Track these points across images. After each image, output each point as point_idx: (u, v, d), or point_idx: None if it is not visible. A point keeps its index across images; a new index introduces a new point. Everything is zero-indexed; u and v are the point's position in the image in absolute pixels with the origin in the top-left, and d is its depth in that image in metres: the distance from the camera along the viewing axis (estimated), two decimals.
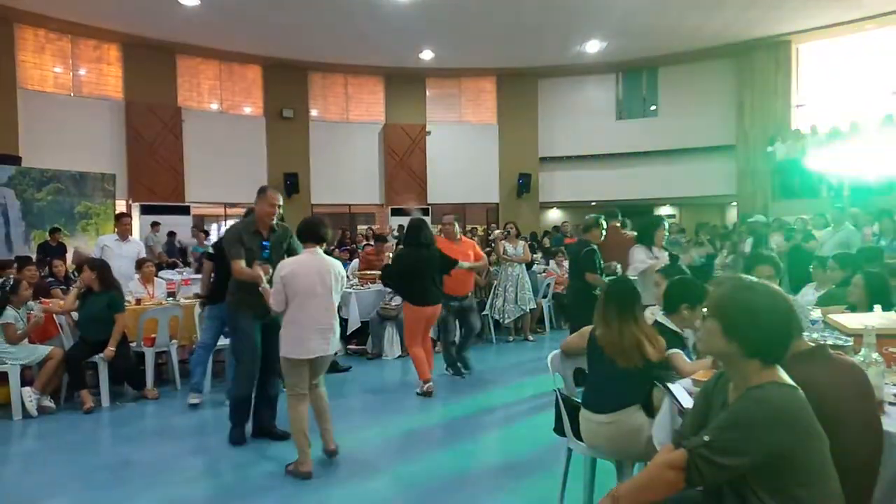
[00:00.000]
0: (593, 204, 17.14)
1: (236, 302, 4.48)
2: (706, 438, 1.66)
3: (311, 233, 4.00)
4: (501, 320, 8.40)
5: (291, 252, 4.57)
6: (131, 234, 7.51)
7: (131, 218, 7.38)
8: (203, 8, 11.86)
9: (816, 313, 3.90)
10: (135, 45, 13.74)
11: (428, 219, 15.45)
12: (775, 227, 10.43)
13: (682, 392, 2.57)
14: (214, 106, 15.48)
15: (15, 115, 12.12)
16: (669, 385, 2.69)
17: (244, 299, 4.39)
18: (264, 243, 4.46)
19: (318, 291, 3.89)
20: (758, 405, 1.65)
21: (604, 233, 5.98)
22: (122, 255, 7.06)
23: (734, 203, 16.09)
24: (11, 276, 7.17)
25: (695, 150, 15.64)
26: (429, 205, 16.38)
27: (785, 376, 1.72)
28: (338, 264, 4.08)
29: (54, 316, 5.87)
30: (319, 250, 4.01)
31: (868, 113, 12.00)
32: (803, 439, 1.63)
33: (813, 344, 2.18)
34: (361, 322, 7.68)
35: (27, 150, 11.99)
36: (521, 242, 8.60)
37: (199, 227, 14.17)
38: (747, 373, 1.74)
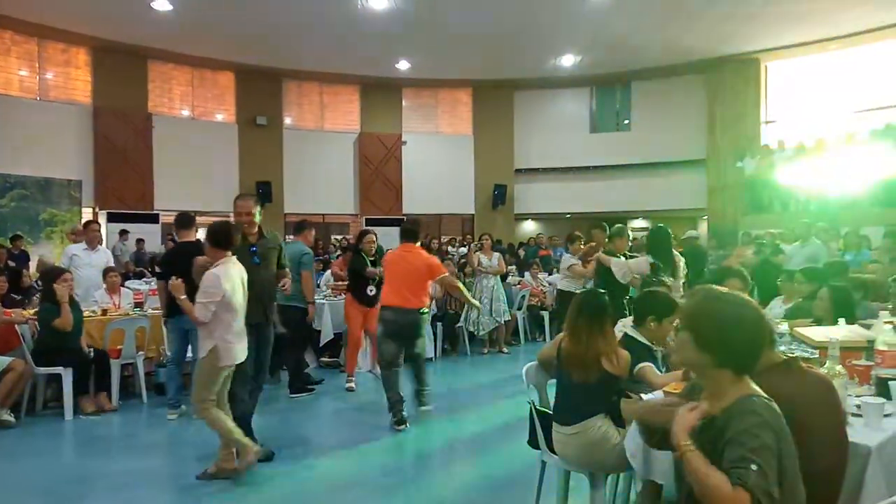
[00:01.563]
0: (567, 216, 17.30)
1: None
2: (755, 467, 1.57)
3: (227, 239, 3.96)
4: (476, 332, 8.38)
5: (281, 262, 4.67)
6: (100, 243, 7.31)
7: (99, 226, 7.17)
8: (176, 13, 11.70)
9: (783, 326, 3.96)
10: (105, 49, 13.49)
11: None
12: (745, 240, 10.62)
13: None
14: (186, 112, 15.26)
15: None
16: (643, 395, 2.70)
17: None
18: (252, 248, 4.43)
19: (240, 298, 3.93)
20: (753, 415, 1.64)
21: (630, 243, 6.22)
22: (91, 264, 6.89)
23: (705, 217, 16.35)
24: None
25: (667, 164, 15.89)
26: (404, 215, 16.32)
27: (756, 387, 1.73)
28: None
29: (16, 326, 5.67)
30: (233, 257, 3.98)
31: (833, 130, 12.33)
32: (786, 450, 1.64)
33: (784, 357, 2.21)
34: (334, 334, 7.59)
35: None
36: (496, 254, 8.62)
37: (171, 236, 13.88)
38: (720, 384, 1.74)
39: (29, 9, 11.79)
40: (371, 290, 6.33)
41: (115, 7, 11.53)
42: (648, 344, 3.21)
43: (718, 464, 1.65)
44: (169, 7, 11.41)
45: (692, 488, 1.75)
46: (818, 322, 3.93)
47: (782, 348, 3.17)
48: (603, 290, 3.53)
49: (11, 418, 5.25)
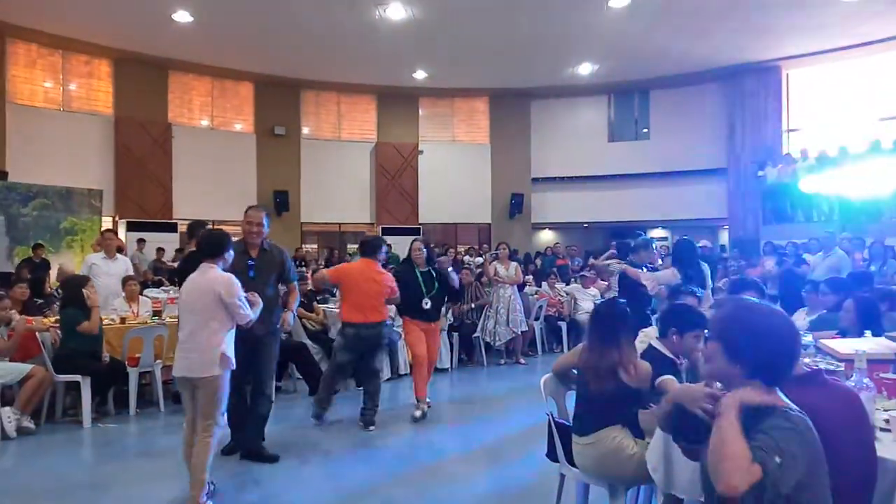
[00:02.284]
0: (585, 226, 17.19)
1: None
2: (778, 460, 1.55)
3: (209, 248, 3.82)
4: (493, 343, 8.31)
5: (285, 277, 4.62)
6: (119, 251, 7.37)
7: (115, 234, 7.21)
8: (196, 25, 11.87)
9: (808, 338, 3.87)
10: (126, 60, 13.71)
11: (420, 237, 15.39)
12: (767, 250, 10.47)
13: None
14: (205, 122, 15.44)
15: (3, 129, 12.01)
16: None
17: None
18: (249, 262, 4.42)
19: (194, 309, 3.68)
20: (790, 427, 1.60)
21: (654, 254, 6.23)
22: (110, 273, 6.94)
23: (726, 226, 16.15)
24: None
25: (686, 173, 15.72)
26: (420, 224, 16.35)
27: (787, 400, 1.70)
28: (228, 280, 3.72)
29: (37, 334, 5.74)
30: (215, 267, 3.74)
31: (857, 138, 12.14)
32: (816, 463, 1.61)
33: (808, 368, 2.16)
34: None
35: (14, 165, 11.86)
36: (513, 264, 8.53)
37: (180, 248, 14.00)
38: None
39: (53, 22, 12.03)
40: (427, 304, 5.74)
41: (137, 19, 11.73)
42: (672, 357, 3.14)
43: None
44: (189, 19, 11.58)
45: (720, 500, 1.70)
46: (843, 334, 3.84)
47: (807, 360, 3.10)
48: (623, 301, 3.48)
49: (32, 425, 5.30)
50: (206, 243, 3.84)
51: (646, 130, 16.80)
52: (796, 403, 1.70)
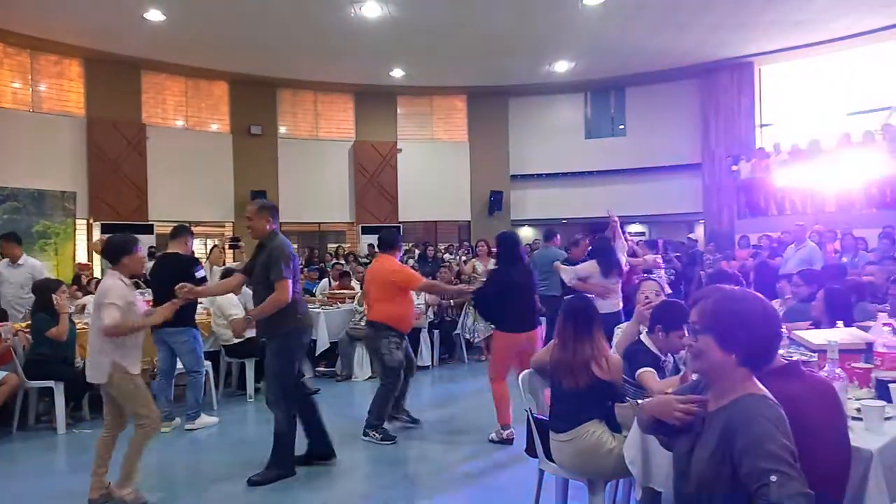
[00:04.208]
0: (564, 221, 17.28)
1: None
2: (774, 479, 1.54)
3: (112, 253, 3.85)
4: (472, 339, 8.32)
5: (268, 270, 4.15)
6: (20, 257, 6.58)
7: (11, 241, 6.55)
8: (169, 24, 11.69)
9: (782, 329, 3.93)
10: (98, 60, 13.46)
11: (400, 236, 15.31)
12: (743, 244, 10.63)
13: None
14: (180, 122, 15.23)
15: None
16: (640, 402, 2.66)
17: None
18: (253, 260, 4.42)
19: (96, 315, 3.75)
20: (761, 417, 1.63)
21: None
22: (11, 280, 6.43)
23: (702, 220, 16.36)
24: None
25: (662, 169, 15.89)
26: (400, 223, 16.30)
27: (762, 387, 1.73)
28: (105, 287, 3.76)
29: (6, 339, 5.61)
30: (115, 274, 3.81)
31: (827, 132, 12.36)
32: (795, 456, 1.62)
33: (785, 360, 2.18)
34: (330, 343, 7.55)
35: None
36: (493, 261, 8.50)
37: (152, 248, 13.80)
38: (733, 382, 1.73)
39: (21, 21, 11.76)
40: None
41: (108, 18, 11.51)
42: (656, 352, 3.16)
43: (729, 457, 1.63)
44: (162, 18, 11.40)
45: (694, 491, 1.72)
46: (817, 325, 3.91)
47: (781, 352, 3.15)
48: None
49: None
50: (105, 248, 3.92)
51: (622, 127, 16.94)
52: (775, 395, 1.72)
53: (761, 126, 15.14)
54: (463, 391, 7.01)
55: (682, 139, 15.76)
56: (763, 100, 15.18)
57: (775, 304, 5.42)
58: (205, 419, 5.64)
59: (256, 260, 4.27)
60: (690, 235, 13.85)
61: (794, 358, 2.98)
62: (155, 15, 11.27)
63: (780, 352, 3.00)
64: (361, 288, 8.19)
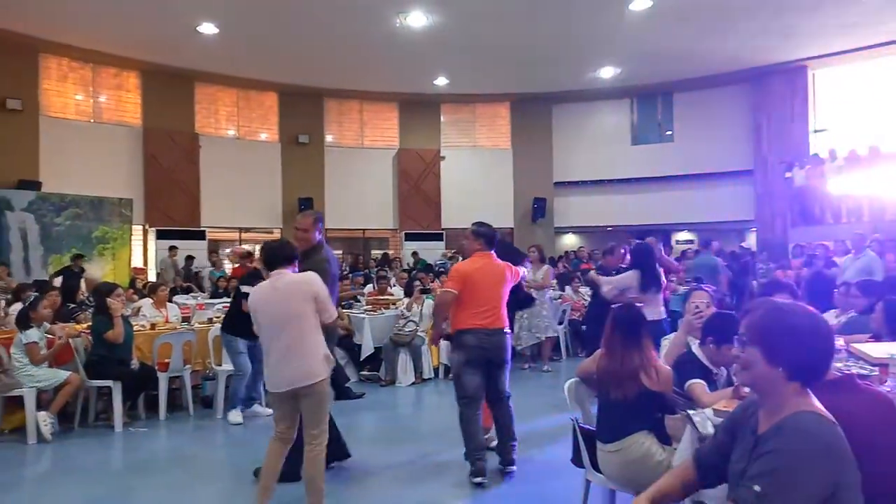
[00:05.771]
0: (609, 229, 17.07)
1: None
2: (757, 489, 1.54)
3: (274, 259, 3.65)
4: (516, 346, 8.28)
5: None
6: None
7: None
8: (221, 36, 12.07)
9: (840, 341, 3.80)
10: (154, 72, 13.99)
11: (442, 244, 15.36)
12: (797, 253, 10.30)
13: (705, 420, 2.50)
14: (231, 132, 15.68)
15: (37, 141, 12.34)
16: (690, 413, 2.62)
17: None
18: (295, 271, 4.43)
19: (279, 320, 3.49)
20: (805, 439, 1.57)
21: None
22: None
23: (753, 229, 15.93)
24: (32, 295, 7.20)
25: (711, 175, 15.55)
26: (442, 229, 16.39)
27: (818, 404, 1.67)
28: (308, 278, 3.60)
29: (70, 340, 5.87)
30: (287, 271, 3.63)
31: (886, 138, 11.89)
32: (853, 472, 1.57)
33: (839, 373, 2.12)
34: (374, 348, 7.63)
35: (47, 176, 12.17)
36: (546, 267, 8.31)
37: (215, 252, 14.24)
38: (785, 398, 1.68)
39: (84, 36, 12.33)
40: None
41: (163, 32, 11.97)
42: (707, 364, 3.09)
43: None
44: (214, 31, 11.79)
45: None
46: (878, 337, 3.77)
47: (839, 364, 3.04)
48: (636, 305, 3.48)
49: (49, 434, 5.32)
50: (273, 252, 3.70)
51: (669, 133, 16.65)
52: (829, 408, 1.67)
53: (815, 132, 14.65)
54: None
55: (733, 145, 15.38)
56: (818, 105, 14.71)
57: (831, 314, 5.25)
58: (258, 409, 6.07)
59: (300, 269, 4.34)
60: (742, 244, 13.51)
61: (853, 371, 2.88)
62: (208, 28, 11.67)
63: (838, 364, 2.91)
64: (406, 294, 8.30)
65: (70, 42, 12.52)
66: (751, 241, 16.04)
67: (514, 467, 4.42)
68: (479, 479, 4.22)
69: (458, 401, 4.41)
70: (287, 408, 3.53)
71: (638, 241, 6.51)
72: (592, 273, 6.44)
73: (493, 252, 4.52)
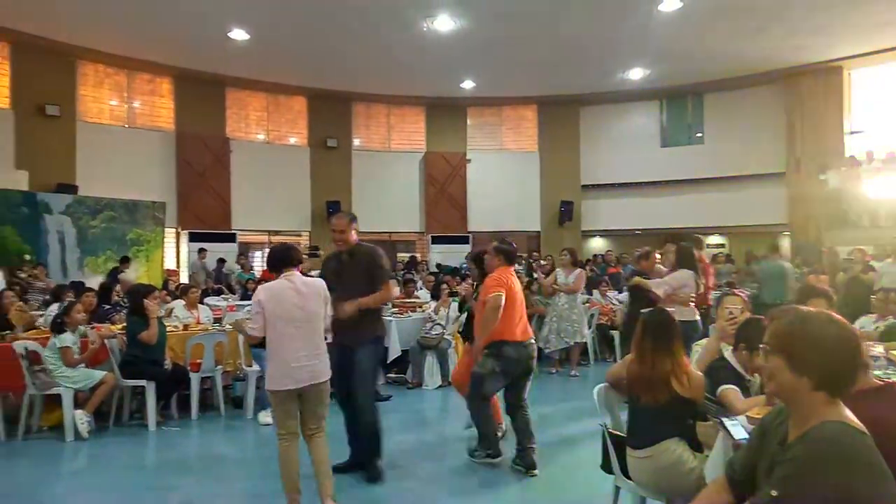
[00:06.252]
0: (638, 232, 16.89)
1: None
2: (774, 493, 1.55)
3: (281, 260, 3.77)
4: (544, 348, 8.24)
5: (370, 273, 4.37)
6: None
7: None
8: (252, 42, 12.27)
9: (879, 348, 3.71)
10: (186, 78, 14.27)
11: (468, 247, 15.34)
12: (831, 257, 10.08)
13: (738, 426, 2.46)
14: (261, 136, 15.91)
15: (74, 146, 12.68)
16: (724, 419, 2.58)
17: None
18: (336, 268, 4.48)
19: (294, 316, 3.62)
20: (826, 448, 1.55)
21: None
22: None
23: (786, 232, 15.62)
24: (68, 299, 7.40)
25: (743, 178, 15.29)
26: (469, 233, 16.39)
27: (849, 413, 1.63)
28: (319, 285, 3.82)
29: (105, 341, 6.01)
30: (297, 273, 3.77)
31: None
32: (877, 484, 1.53)
33: (880, 382, 2.07)
34: (402, 351, 7.66)
35: (83, 180, 12.49)
36: (578, 270, 8.21)
37: (244, 255, 14.44)
38: (812, 408, 1.65)
39: (120, 43, 12.64)
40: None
41: (196, 38, 12.21)
42: (740, 370, 3.04)
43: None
44: (245, 37, 11.98)
45: None
46: None
47: (878, 372, 2.97)
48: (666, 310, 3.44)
49: (86, 432, 5.44)
50: (284, 254, 3.83)
51: (700, 135, 16.41)
52: (866, 418, 1.64)
53: (851, 133, 14.31)
54: (532, 404, 6.94)
55: (765, 147, 15.10)
56: (853, 106, 14.36)
57: (869, 319, 5.13)
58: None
59: (345, 269, 4.40)
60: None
61: (893, 379, 2.81)
62: (239, 34, 11.86)
63: (877, 373, 2.85)
64: (433, 297, 8.32)
65: (106, 49, 12.85)
66: (784, 245, 15.71)
67: (537, 471, 4.48)
68: (498, 458, 4.59)
69: (472, 398, 4.62)
70: (292, 406, 3.66)
71: (682, 243, 6.45)
72: (638, 279, 6.29)
73: (512, 268, 4.81)
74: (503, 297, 4.45)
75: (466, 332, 5.55)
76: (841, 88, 14.26)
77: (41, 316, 7.11)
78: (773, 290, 7.91)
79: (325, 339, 3.85)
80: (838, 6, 10.87)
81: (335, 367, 3.96)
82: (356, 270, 4.37)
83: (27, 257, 10.50)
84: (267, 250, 15.86)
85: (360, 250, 4.45)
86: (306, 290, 3.69)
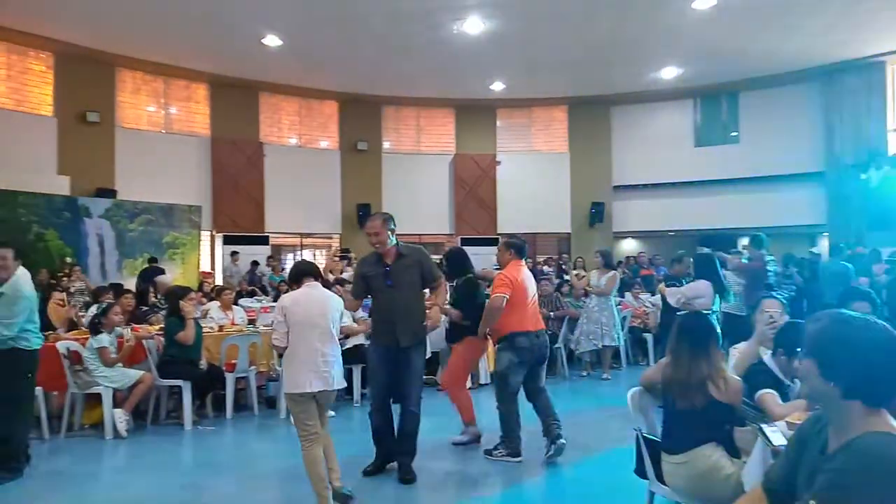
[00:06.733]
0: (671, 234, 16.63)
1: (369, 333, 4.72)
2: (813, 502, 1.50)
3: (303, 272, 4.00)
4: (575, 349, 8.18)
5: (426, 275, 4.49)
6: None
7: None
8: (284, 48, 12.45)
9: None
10: (221, 84, 14.55)
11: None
12: (873, 258, 9.79)
13: (777, 432, 2.40)
14: (293, 140, 16.12)
15: (112, 151, 13.02)
16: (762, 425, 2.52)
17: (374, 330, 4.67)
18: (385, 270, 4.42)
19: (317, 322, 3.79)
20: (867, 461, 1.50)
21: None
22: None
23: (825, 233, 15.20)
24: (107, 301, 7.59)
25: (780, 178, 14.93)
26: (499, 234, 16.32)
27: (894, 423, 1.57)
28: (336, 298, 4.07)
29: (143, 341, 6.15)
30: (318, 284, 3.98)
31: None
32: None
33: None
34: (432, 352, 7.66)
35: (122, 184, 12.84)
36: (611, 273, 8.09)
37: (276, 257, 14.63)
38: (849, 418, 1.59)
39: (157, 51, 12.96)
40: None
41: (231, 45, 12.44)
42: (779, 375, 2.97)
43: None
44: (279, 43, 12.16)
45: None
46: None
47: None
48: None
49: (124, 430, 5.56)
50: (306, 267, 4.13)
51: (735, 134, 16.09)
52: None
53: (894, 130, 13.88)
54: (563, 408, 6.88)
55: (802, 146, 14.75)
56: None
57: None
58: None
59: (393, 269, 4.40)
60: (813, 249, 12.91)
61: None
62: (272, 40, 12.05)
63: None
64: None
65: (144, 57, 13.18)
66: (822, 246, 15.30)
67: (563, 440, 4.74)
68: (518, 459, 4.74)
69: (501, 397, 4.82)
70: (312, 406, 3.78)
71: (701, 252, 6.45)
72: (662, 286, 6.36)
73: (523, 260, 5.04)
74: (505, 300, 4.69)
75: (450, 337, 5.63)
76: (884, 84, 13.85)
77: (83, 316, 7.30)
78: (836, 290, 7.73)
79: (342, 345, 4.03)
80: (869, 3, 10.57)
81: (380, 367, 4.20)
82: (412, 270, 4.44)
83: (68, 259, 10.82)
84: (298, 253, 16.13)
85: (411, 250, 4.54)
86: (326, 299, 3.93)
